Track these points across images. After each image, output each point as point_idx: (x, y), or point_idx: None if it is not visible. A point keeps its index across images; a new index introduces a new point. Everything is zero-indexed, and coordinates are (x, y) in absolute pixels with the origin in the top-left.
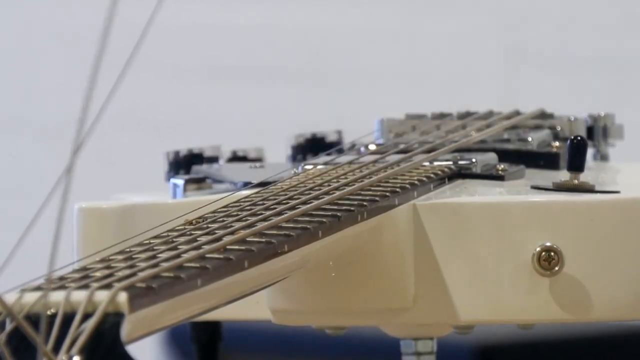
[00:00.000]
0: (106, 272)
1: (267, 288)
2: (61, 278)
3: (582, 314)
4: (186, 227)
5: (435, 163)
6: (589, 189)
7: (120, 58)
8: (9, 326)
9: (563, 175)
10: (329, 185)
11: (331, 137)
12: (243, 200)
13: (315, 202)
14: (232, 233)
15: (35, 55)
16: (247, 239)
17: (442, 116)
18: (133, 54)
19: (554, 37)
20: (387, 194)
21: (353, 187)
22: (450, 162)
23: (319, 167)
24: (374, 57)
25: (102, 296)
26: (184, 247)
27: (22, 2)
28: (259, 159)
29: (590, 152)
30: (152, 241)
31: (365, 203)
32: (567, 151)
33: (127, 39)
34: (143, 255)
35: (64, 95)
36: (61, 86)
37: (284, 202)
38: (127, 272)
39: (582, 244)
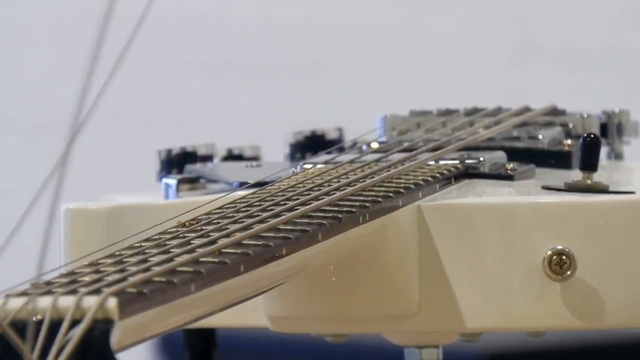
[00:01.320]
0: (95, 276)
1: (264, 294)
2: (48, 283)
3: (595, 321)
4: (179, 229)
5: (441, 162)
6: (603, 190)
7: (111, 53)
8: None
9: (575, 175)
10: (329, 186)
11: (331, 135)
12: (239, 201)
13: (315, 203)
14: (227, 236)
15: (23, 52)
16: (243, 242)
17: (448, 113)
18: (125, 50)
19: (563, 30)
20: (390, 194)
21: (354, 187)
22: (457, 161)
23: (319, 166)
24: (376, 51)
25: (90, 302)
26: (177, 251)
27: None
28: (255, 158)
29: (604, 150)
30: (143, 244)
31: (367, 204)
32: (579, 149)
33: (119, 34)
34: (134, 259)
35: (52, 93)
36: (50, 83)
37: (282, 203)
38: (117, 276)
39: (595, 247)
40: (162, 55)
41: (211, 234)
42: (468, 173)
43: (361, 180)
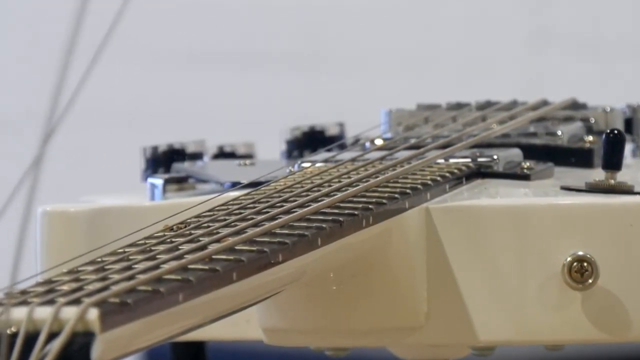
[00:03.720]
0: (74, 285)
1: (259, 304)
2: (23, 292)
3: (618, 334)
4: (166, 233)
5: (451, 160)
6: (628, 190)
7: (89, 43)
8: None
9: (597, 174)
10: (330, 186)
11: (332, 131)
12: (231, 202)
13: (314, 205)
14: (218, 240)
15: None
16: (236, 248)
17: (458, 106)
18: (105, 40)
19: (583, 17)
20: (396, 195)
21: (357, 188)
22: (468, 160)
23: (318, 165)
24: (381, 39)
25: (69, 313)
26: (164, 257)
27: None
28: (249, 156)
29: (628, 147)
30: (127, 250)
31: (370, 206)
32: (602, 147)
33: (98, 22)
34: (117, 266)
35: (25, 86)
36: (23, 76)
37: (278, 205)
38: (99, 285)
39: (619, 253)
40: (147, 44)
41: (201, 238)
42: (480, 172)
43: (364, 180)
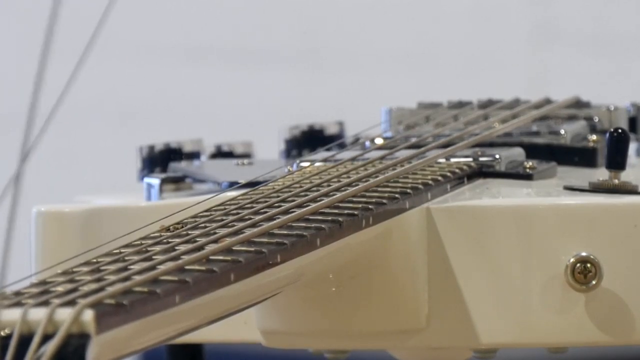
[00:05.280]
0: (69, 286)
1: (257, 305)
2: (17, 293)
3: (622, 336)
4: (162, 234)
5: (452, 160)
6: (632, 190)
7: (80, 37)
8: None
9: (601, 174)
10: (329, 186)
11: (331, 130)
12: (228, 202)
13: (313, 205)
14: (215, 241)
15: None
16: (234, 248)
17: (460, 105)
18: (96, 32)
19: (588, 12)
20: (397, 195)
21: (357, 188)
22: (470, 159)
23: (317, 164)
24: (381, 36)
25: (64, 314)
26: (160, 258)
27: None
28: (247, 155)
29: (633, 146)
30: (122, 251)
31: (370, 206)
32: (605, 146)
33: (89, 15)
34: (112, 267)
35: (18, 82)
36: (16, 72)
37: (277, 205)
38: (94, 286)
39: (623, 254)
40: (144, 41)
41: (198, 239)
42: (482, 172)
43: (364, 180)
